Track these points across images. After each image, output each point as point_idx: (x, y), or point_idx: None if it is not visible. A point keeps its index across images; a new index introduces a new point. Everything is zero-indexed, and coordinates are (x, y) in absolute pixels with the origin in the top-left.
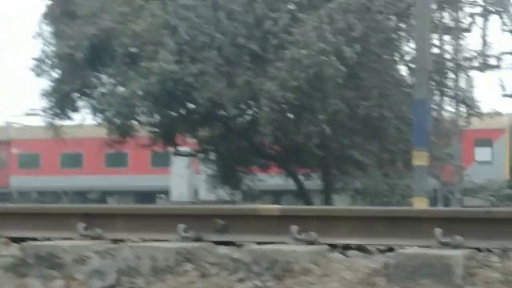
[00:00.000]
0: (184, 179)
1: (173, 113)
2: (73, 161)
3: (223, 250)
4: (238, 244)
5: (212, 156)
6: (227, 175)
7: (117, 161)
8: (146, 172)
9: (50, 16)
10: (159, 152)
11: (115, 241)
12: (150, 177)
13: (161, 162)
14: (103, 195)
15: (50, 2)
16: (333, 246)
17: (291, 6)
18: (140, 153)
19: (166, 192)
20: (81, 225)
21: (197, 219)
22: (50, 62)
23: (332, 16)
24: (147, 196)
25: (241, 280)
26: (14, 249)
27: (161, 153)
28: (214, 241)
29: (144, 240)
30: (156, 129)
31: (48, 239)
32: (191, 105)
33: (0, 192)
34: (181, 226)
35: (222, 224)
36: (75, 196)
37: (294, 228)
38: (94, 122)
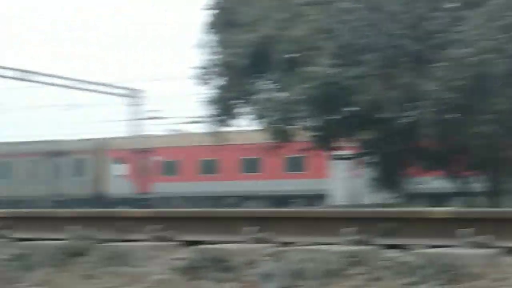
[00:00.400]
0: (344, 182)
1: (333, 117)
2: (210, 168)
3: (391, 253)
4: (406, 247)
5: (372, 159)
6: (387, 178)
7: (252, 166)
8: (280, 177)
9: (214, 25)
10: (292, 157)
11: (284, 244)
12: (284, 182)
13: (295, 167)
14: (240, 200)
15: (214, 12)
16: (510, 250)
17: (453, 4)
18: (274, 158)
19: (301, 197)
20: (251, 229)
21: (364, 222)
22: (213, 70)
23: (496, 13)
24: (283, 200)
25: (411, 284)
26: (188, 252)
27: (294, 158)
28: (382, 244)
29: (313, 243)
30: (316, 133)
31: (221, 242)
32: (350, 108)
33: (144, 198)
34: (348, 229)
35: (389, 227)
36: (213, 201)
37: (468, 231)
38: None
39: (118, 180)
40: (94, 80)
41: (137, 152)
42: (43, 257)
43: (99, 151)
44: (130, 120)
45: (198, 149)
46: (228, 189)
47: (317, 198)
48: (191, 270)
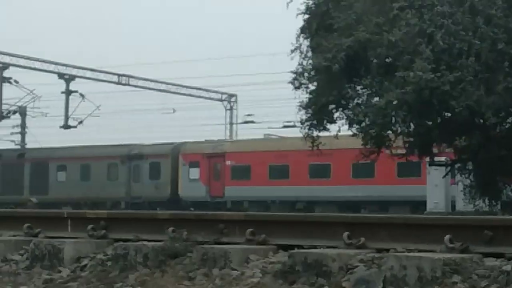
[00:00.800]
0: (440, 189)
1: (429, 122)
2: (280, 173)
3: (492, 262)
4: (508, 256)
5: (469, 165)
6: (486, 185)
7: (320, 172)
8: (348, 183)
9: (308, 30)
10: (362, 163)
11: (379, 250)
12: (352, 188)
13: (364, 173)
14: (309, 205)
15: (307, 17)
16: None
17: None
18: (342, 164)
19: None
20: (346, 234)
21: (463, 230)
22: (307, 75)
23: None
24: (351, 207)
25: None
26: (282, 256)
27: (364, 164)
28: (482, 252)
29: (409, 250)
30: (412, 139)
31: (314, 247)
32: (448, 114)
33: (216, 202)
34: (447, 237)
35: (489, 235)
36: (283, 206)
37: None
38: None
39: (192, 183)
40: (189, 84)
41: (211, 156)
42: (140, 258)
43: (174, 155)
44: (223, 124)
45: (268, 154)
46: (298, 194)
47: (412, 204)
48: (286, 274)
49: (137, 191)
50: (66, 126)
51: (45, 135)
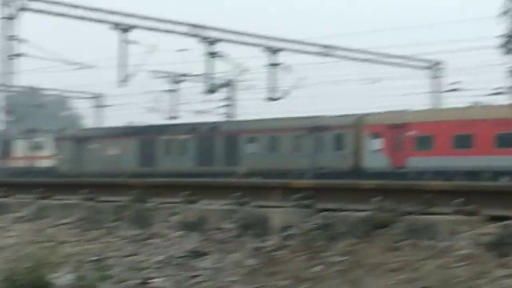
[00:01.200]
0: None
1: None
2: (464, 142)
3: None
4: None
5: None
6: None
7: (509, 142)
8: None
9: None
10: None
11: None
12: None
13: None
14: (494, 175)
15: None
16: None
17: None
18: None
19: None
20: None
21: None
22: None
23: None
24: None
25: None
26: (495, 227)
27: None
28: None
29: None
30: None
31: None
32: None
33: (399, 172)
34: None
35: None
36: (467, 176)
37: None
38: None
39: (374, 154)
40: (393, 53)
41: (393, 127)
42: (346, 228)
43: (357, 126)
44: (429, 92)
45: (452, 124)
46: (483, 163)
47: None
48: (499, 246)
49: (321, 162)
50: (272, 98)
51: (252, 107)
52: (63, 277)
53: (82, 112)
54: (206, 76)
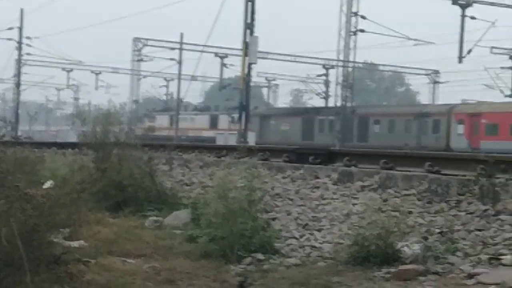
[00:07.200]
0: None
1: None
2: None
3: None
4: None
5: None
6: None
7: None
8: None
9: None
10: None
11: None
12: None
13: None
14: None
15: None
16: None
17: None
18: None
19: None
20: None
21: None
22: None
23: None
24: None
25: None
26: None
27: None
28: None
29: None
30: None
31: None
32: None
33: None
34: None
35: None
36: None
37: None
38: None
39: (459, 137)
40: None
41: (471, 116)
42: None
43: (449, 114)
44: None
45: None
46: None
47: None
48: None
49: (424, 142)
50: None
51: None
52: (411, 246)
53: (417, 89)
54: None
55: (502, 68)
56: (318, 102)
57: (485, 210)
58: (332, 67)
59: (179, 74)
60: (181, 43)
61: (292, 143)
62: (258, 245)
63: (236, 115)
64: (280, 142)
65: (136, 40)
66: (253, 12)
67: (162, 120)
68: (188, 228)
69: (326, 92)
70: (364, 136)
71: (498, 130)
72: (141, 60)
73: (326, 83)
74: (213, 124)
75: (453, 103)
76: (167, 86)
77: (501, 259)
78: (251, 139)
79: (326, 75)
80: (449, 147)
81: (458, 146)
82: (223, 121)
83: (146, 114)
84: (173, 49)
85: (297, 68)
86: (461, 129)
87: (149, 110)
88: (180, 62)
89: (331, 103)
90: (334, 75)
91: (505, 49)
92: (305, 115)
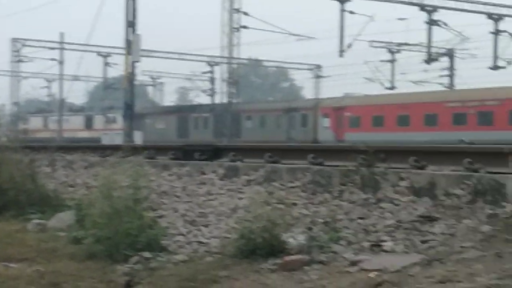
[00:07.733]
0: None
1: None
2: (379, 122)
3: None
4: None
5: None
6: None
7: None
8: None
9: None
10: None
11: None
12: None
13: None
14: None
15: None
16: None
17: None
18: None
19: None
20: None
21: None
22: None
23: None
24: None
25: None
26: None
27: None
28: None
29: None
30: None
31: None
32: None
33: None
34: None
35: None
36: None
37: None
38: None
39: (325, 130)
40: None
41: (336, 109)
42: None
43: (315, 108)
44: None
45: (372, 108)
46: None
47: None
48: None
49: (293, 135)
50: (494, 67)
51: (473, 77)
52: (296, 237)
53: (301, 83)
54: (426, 45)
55: (381, 61)
56: (205, 99)
57: (366, 199)
58: (217, 64)
59: (61, 74)
60: (61, 42)
61: (168, 141)
62: (145, 243)
63: (111, 115)
64: (158, 140)
65: (15, 40)
66: (134, 9)
67: (36, 122)
68: (72, 230)
69: (212, 89)
70: (237, 132)
71: (361, 123)
72: (21, 61)
73: (212, 80)
74: (88, 124)
75: (320, 97)
76: (48, 87)
77: (382, 245)
78: (139, 138)
79: (212, 72)
80: (317, 140)
81: (325, 139)
82: (99, 121)
83: (20, 116)
84: (53, 49)
85: (183, 66)
86: (327, 122)
87: (23, 113)
88: (61, 62)
89: (217, 100)
90: (219, 72)
91: (383, 42)
92: (179, 113)
